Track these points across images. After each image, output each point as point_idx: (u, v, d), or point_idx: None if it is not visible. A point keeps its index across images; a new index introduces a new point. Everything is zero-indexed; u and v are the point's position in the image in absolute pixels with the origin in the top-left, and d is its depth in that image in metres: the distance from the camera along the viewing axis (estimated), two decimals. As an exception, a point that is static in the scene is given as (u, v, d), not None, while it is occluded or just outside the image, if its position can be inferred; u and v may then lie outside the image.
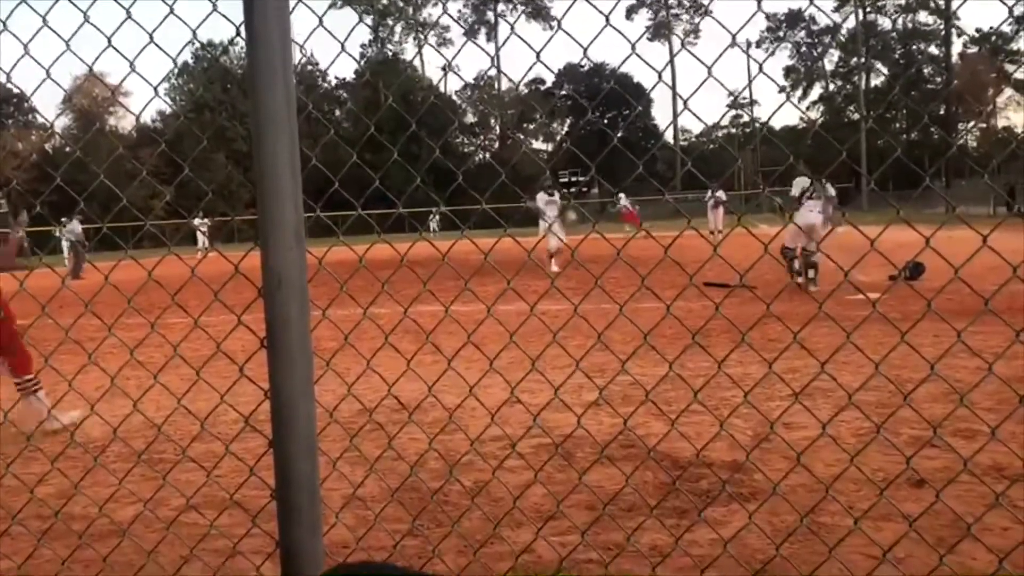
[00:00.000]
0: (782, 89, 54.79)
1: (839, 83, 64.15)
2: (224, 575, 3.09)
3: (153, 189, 31.78)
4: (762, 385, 5.42)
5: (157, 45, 1.72)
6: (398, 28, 65.85)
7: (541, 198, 17.13)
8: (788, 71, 64.84)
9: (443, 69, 58.79)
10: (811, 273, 11.22)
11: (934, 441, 4.00)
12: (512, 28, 1.72)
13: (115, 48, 1.71)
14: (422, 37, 65.87)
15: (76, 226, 23.67)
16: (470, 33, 66.20)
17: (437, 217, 38.48)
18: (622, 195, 30.15)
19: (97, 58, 1.84)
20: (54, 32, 1.76)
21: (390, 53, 63.77)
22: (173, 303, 1.89)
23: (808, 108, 63.87)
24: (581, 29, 1.90)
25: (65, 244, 28.04)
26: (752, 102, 63.92)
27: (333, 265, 2.12)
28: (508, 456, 4.35)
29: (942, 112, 57.75)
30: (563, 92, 66.57)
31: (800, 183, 11.64)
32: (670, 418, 2.71)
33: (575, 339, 7.16)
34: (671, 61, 57.09)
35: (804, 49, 64.69)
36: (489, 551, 3.21)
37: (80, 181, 2.26)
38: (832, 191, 11.65)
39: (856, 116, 59.37)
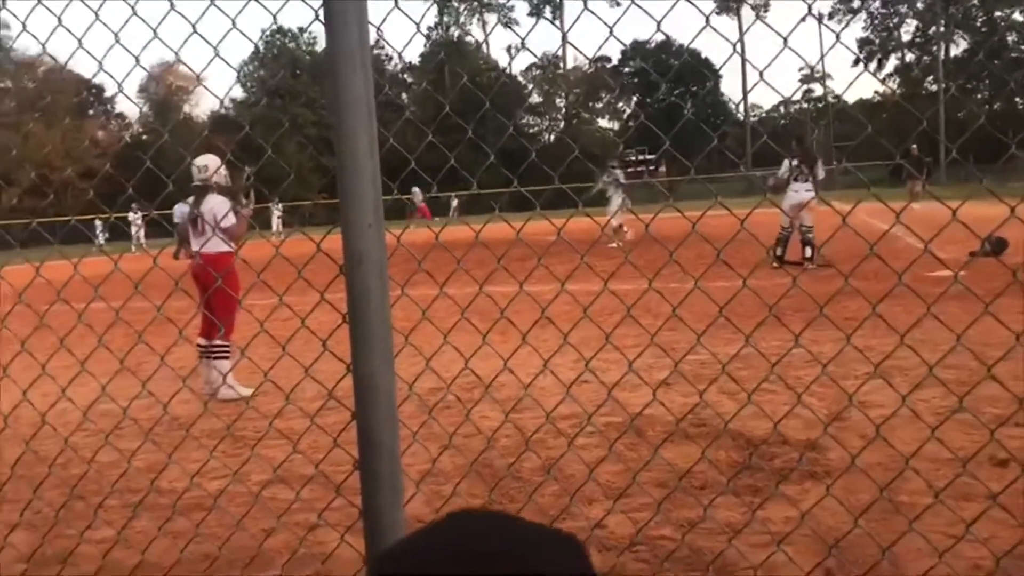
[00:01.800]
0: (857, 61, 53.22)
1: (916, 54, 61.92)
2: (308, 546, 3.20)
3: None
4: (837, 363, 5.33)
5: (240, 31, 1.78)
6: (463, 10, 65.86)
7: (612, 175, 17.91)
8: (862, 43, 62.85)
9: (508, 50, 58.62)
10: (808, 251, 11.38)
11: (1018, 419, 3.88)
12: (585, 4, 1.73)
13: (200, 35, 1.78)
14: (487, 19, 65.75)
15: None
16: (536, 13, 65.82)
17: (455, 202, 38.32)
18: (416, 189, 29.90)
19: (183, 44, 1.92)
20: (143, 21, 1.84)
21: (456, 36, 63.87)
22: (259, 280, 1.96)
23: (883, 81, 61.97)
24: (647, 4, 1.89)
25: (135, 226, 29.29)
26: (824, 75, 62.20)
27: (407, 246, 2.17)
28: (579, 433, 4.38)
29: (1028, 80, 55.32)
30: (630, 69, 65.82)
31: (787, 163, 11.82)
32: (746, 390, 2.70)
33: (643, 319, 7.14)
34: (742, 35, 55.94)
35: (879, 19, 62.55)
36: (562, 526, 3.24)
37: (160, 168, 2.34)
38: (822, 172, 11.87)
39: (934, 88, 57.27)
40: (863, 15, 62.53)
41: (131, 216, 31.12)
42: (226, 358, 6.06)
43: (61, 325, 2.62)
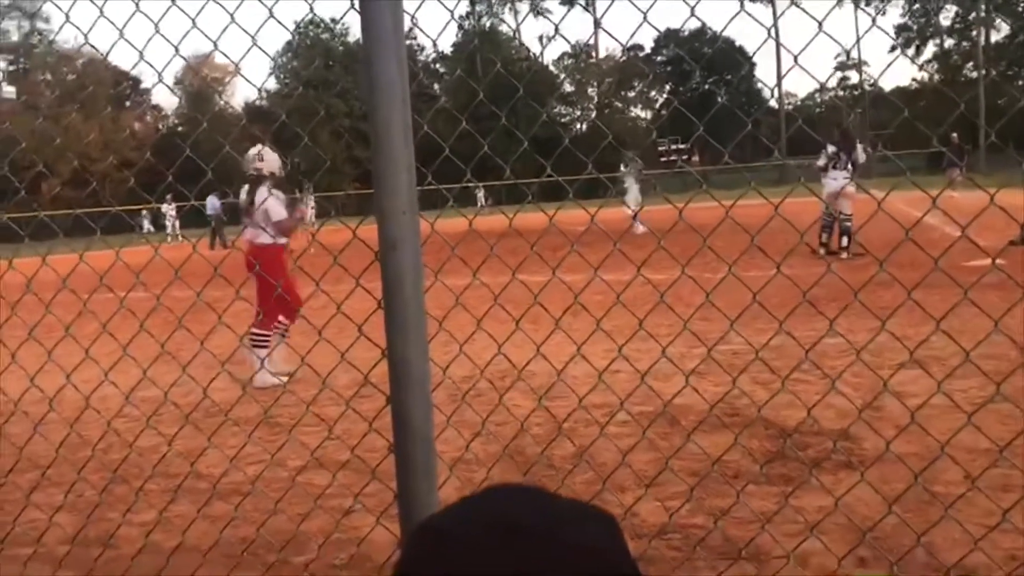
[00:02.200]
0: (894, 47, 52.29)
1: (955, 40, 60.69)
2: (344, 530, 3.25)
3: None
4: (872, 354, 5.28)
5: (278, 21, 1.81)
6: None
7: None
8: (900, 29, 61.74)
9: (540, 39, 58.36)
10: (844, 241, 11.25)
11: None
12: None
13: (239, 25, 1.81)
14: (519, 7, 65.48)
15: (215, 201, 25.53)
16: (569, 1, 65.42)
17: (482, 191, 38.18)
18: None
19: (221, 34, 1.94)
20: (182, 11, 1.87)
21: (488, 25, 63.73)
22: (295, 266, 1.99)
23: (921, 68, 60.85)
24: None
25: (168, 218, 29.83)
26: (861, 62, 61.23)
27: (440, 234, 2.19)
28: (611, 420, 4.38)
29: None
30: (663, 58, 65.32)
31: (826, 151, 11.68)
32: (779, 375, 2.69)
33: (676, 308, 7.10)
34: (776, 20, 55.18)
35: (917, 5, 61.37)
36: (594, 512, 3.26)
37: (197, 159, 2.38)
38: (863, 156, 11.70)
39: (974, 75, 56.12)
40: (901, 1, 61.45)
41: (164, 208, 31.62)
42: (264, 346, 6.17)
43: (103, 312, 2.68)
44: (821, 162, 11.75)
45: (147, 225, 31.42)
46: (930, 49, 61.57)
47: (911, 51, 59.86)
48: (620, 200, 16.45)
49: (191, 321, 2.51)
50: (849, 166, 11.37)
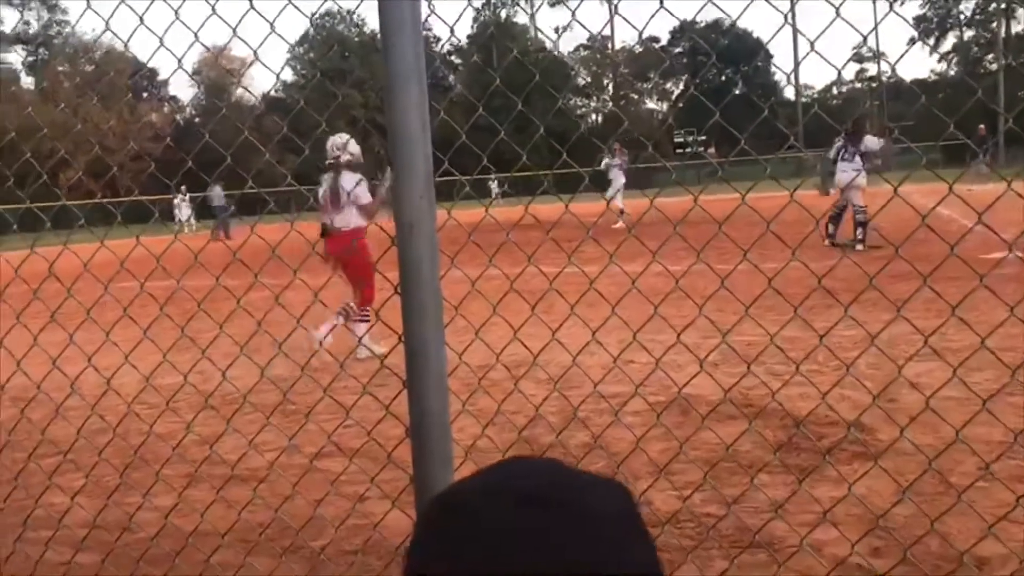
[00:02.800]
0: (913, 41, 51.78)
1: (975, 31, 60.03)
2: (359, 516, 3.27)
3: (280, 156, 33.05)
4: (888, 345, 5.26)
5: (296, 7, 1.82)
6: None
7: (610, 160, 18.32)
8: (919, 20, 61.15)
9: (556, 30, 58.14)
10: (859, 232, 11.17)
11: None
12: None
13: (259, 13, 1.82)
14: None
15: (218, 191, 25.79)
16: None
17: (495, 182, 38.08)
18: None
19: (239, 22, 1.96)
20: (205, 1, 1.89)
21: (503, 16, 63.58)
22: (314, 252, 2.01)
23: (940, 59, 60.25)
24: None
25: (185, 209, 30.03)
26: (879, 53, 60.69)
27: (455, 221, 2.20)
28: (624, 407, 4.39)
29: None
30: (679, 49, 64.99)
31: (836, 144, 11.71)
32: (794, 361, 2.69)
33: (689, 300, 7.08)
34: (793, 7, 54.62)
35: (937, -4, 60.72)
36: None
37: (210, 150, 2.41)
38: (875, 145, 11.69)
39: (994, 67, 55.52)
40: (919, -8, 60.77)
41: (176, 199, 31.70)
42: (365, 322, 6.48)
43: (123, 299, 2.71)
44: (831, 154, 11.77)
45: (186, 211, 31.51)
46: (950, 40, 61.00)
47: (930, 42, 59.35)
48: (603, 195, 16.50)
49: (209, 308, 2.54)
50: (857, 158, 11.33)
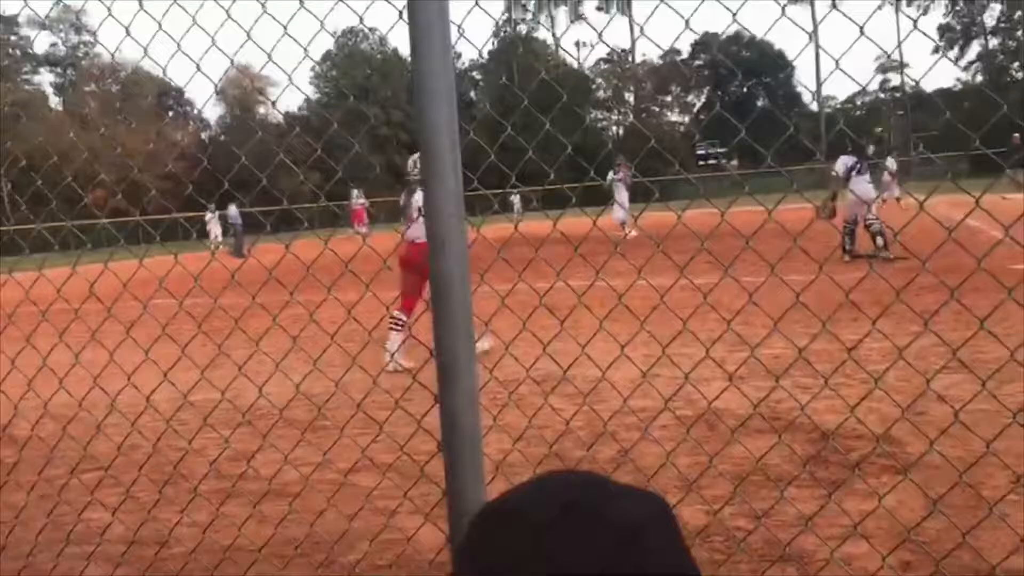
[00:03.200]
0: (936, 49, 51.38)
1: (1000, 39, 59.46)
2: (391, 531, 3.30)
3: (303, 174, 33.35)
4: (916, 358, 5.23)
5: (327, 31, 1.87)
6: (531, 5, 65.77)
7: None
8: (943, 30, 60.66)
9: (577, 45, 58.41)
10: (879, 241, 11.29)
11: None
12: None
13: (291, 36, 1.88)
14: (555, 14, 65.49)
15: (233, 210, 26.13)
16: (605, 7, 65.29)
17: (517, 198, 37.96)
18: (356, 190, 30.02)
19: (275, 46, 2.02)
20: (237, 24, 1.95)
21: (524, 32, 63.92)
22: (347, 270, 2.06)
23: (965, 68, 59.69)
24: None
25: (211, 226, 30.41)
26: (902, 64, 60.25)
27: (483, 237, 2.24)
28: (653, 422, 4.39)
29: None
30: (700, 62, 64.97)
31: (844, 160, 11.80)
32: (821, 378, 2.70)
33: (714, 314, 7.09)
34: (816, 23, 54.57)
35: (960, 5, 60.23)
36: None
37: (232, 168, 2.47)
38: (894, 165, 11.90)
39: (1020, 75, 54.96)
40: (943, 1, 60.36)
41: (207, 216, 31.98)
42: (398, 331, 6.68)
43: (161, 316, 2.77)
44: (838, 170, 11.91)
45: (216, 229, 31.77)
46: (974, 49, 60.47)
47: (954, 51, 58.85)
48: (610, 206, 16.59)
49: (242, 325, 2.59)
50: (868, 173, 11.61)
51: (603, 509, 0.67)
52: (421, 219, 6.73)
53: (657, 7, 1.86)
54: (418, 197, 6.77)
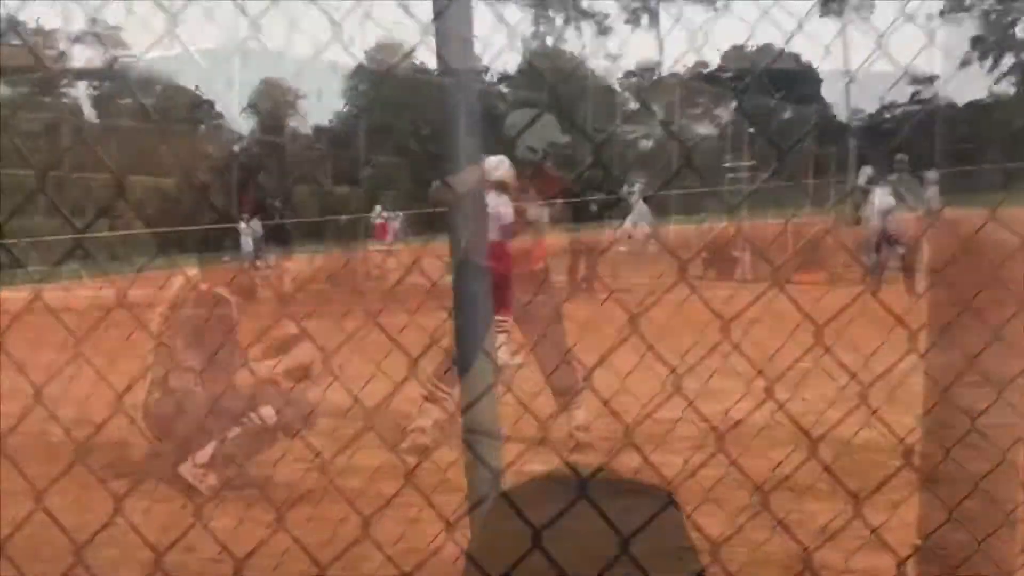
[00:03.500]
0: (964, 63, 50.84)
1: (1033, 52, 58.64)
2: (410, 540, 3.33)
3: (331, 187, 33.62)
4: (938, 368, 5.18)
5: (351, 54, 1.91)
6: (559, 20, 65.91)
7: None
8: (975, 41, 59.90)
9: (606, 58, 58.41)
10: (899, 249, 11.03)
11: None
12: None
13: (332, 64, 1.92)
14: (582, 27, 65.62)
15: (256, 224, 26.48)
16: (633, 20, 65.32)
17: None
18: (378, 206, 29.83)
19: (319, 53, 2.06)
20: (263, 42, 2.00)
21: (551, 45, 64.03)
22: (373, 279, 2.09)
23: (998, 80, 58.95)
24: (743, 8, 1.93)
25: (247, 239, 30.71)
26: (932, 77, 59.63)
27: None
28: (673, 430, 4.38)
29: None
30: (729, 75, 64.71)
31: (864, 172, 11.97)
32: (844, 388, 2.69)
33: (738, 327, 7.05)
34: (844, 37, 54.25)
35: (994, 17, 59.48)
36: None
37: (266, 181, 2.53)
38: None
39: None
40: (976, 13, 59.72)
41: (242, 227, 32.23)
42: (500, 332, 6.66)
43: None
44: (861, 180, 11.77)
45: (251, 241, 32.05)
46: (1008, 61, 59.70)
47: (988, 63, 58.15)
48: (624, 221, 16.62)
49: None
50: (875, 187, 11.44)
51: (614, 494, 0.70)
52: (492, 222, 6.78)
53: (677, 21, 1.88)
54: (491, 200, 6.74)
